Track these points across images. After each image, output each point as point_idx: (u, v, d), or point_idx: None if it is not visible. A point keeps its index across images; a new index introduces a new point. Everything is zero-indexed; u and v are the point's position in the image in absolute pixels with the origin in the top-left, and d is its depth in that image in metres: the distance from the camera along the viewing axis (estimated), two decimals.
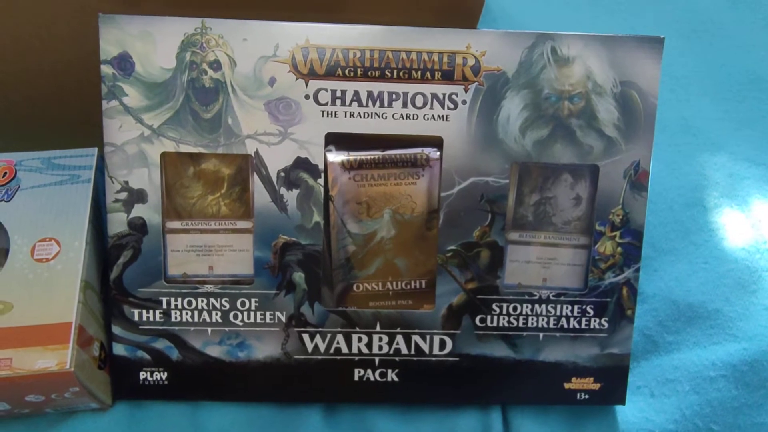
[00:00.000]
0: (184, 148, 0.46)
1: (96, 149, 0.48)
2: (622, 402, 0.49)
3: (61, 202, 0.46)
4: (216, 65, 0.45)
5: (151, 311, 0.47)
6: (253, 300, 0.47)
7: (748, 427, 0.49)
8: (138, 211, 0.46)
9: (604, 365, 0.49)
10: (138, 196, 0.46)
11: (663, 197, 0.60)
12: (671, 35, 0.72)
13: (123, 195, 0.46)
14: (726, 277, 0.56)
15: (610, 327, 0.49)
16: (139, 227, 0.46)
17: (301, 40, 0.45)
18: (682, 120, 0.66)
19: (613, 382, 0.49)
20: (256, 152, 0.46)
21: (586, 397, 0.49)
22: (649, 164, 0.47)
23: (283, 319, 0.47)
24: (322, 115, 0.46)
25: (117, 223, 0.46)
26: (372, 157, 0.47)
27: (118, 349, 0.47)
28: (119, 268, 0.46)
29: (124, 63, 0.45)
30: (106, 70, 0.45)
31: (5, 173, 0.47)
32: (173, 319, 0.47)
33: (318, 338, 0.48)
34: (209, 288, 0.47)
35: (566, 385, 0.49)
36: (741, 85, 0.69)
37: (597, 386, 0.49)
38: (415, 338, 0.48)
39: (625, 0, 0.75)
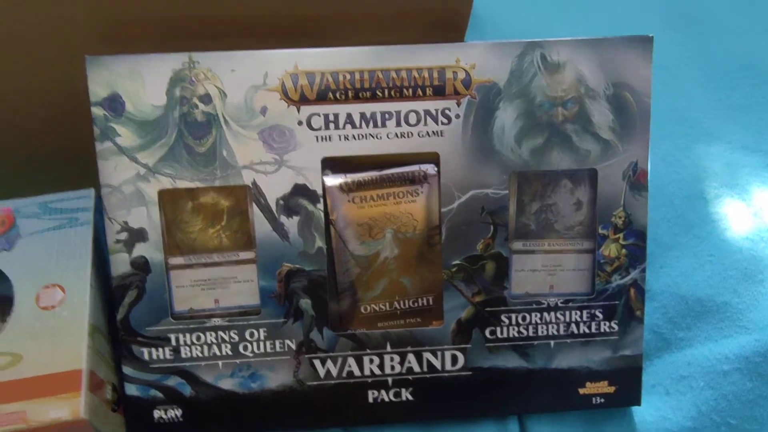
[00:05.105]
0: (181, 184, 0.46)
1: (92, 190, 0.48)
2: (638, 403, 0.49)
3: (62, 247, 0.46)
4: (206, 98, 0.45)
5: (160, 349, 0.46)
6: (261, 330, 0.47)
7: (766, 419, 0.49)
8: (139, 250, 0.46)
9: (617, 367, 0.49)
10: (138, 236, 0.46)
11: (663, 192, 0.59)
12: (660, 25, 0.72)
13: (123, 235, 0.46)
14: (732, 268, 0.55)
15: (620, 329, 0.48)
16: (141, 266, 0.46)
17: (290, 67, 0.45)
18: (675, 112, 0.65)
19: (627, 383, 0.49)
20: (254, 182, 0.46)
21: (602, 400, 0.49)
22: (647, 164, 0.47)
23: (293, 346, 0.47)
24: (317, 140, 0.46)
25: (120, 263, 0.46)
26: (370, 177, 0.47)
27: (131, 390, 0.47)
28: (125, 309, 0.46)
29: (114, 104, 0.44)
30: (97, 111, 0.44)
31: (4, 221, 0.47)
32: (183, 355, 0.47)
33: (329, 363, 0.47)
34: (217, 321, 0.47)
35: (581, 391, 0.49)
36: (733, 72, 0.68)
37: (612, 389, 0.49)
38: (427, 355, 0.48)
39: None
